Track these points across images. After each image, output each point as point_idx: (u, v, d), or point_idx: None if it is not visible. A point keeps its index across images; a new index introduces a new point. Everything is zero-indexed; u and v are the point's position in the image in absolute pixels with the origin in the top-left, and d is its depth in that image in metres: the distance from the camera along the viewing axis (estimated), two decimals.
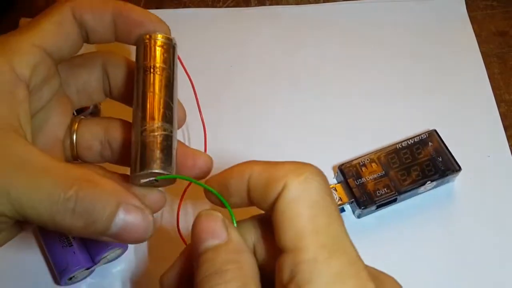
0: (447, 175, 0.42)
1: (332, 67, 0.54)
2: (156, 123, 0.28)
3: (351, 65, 0.54)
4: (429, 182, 0.41)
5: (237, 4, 0.59)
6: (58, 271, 0.40)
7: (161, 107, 0.29)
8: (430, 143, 0.42)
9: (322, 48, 0.55)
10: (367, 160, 0.42)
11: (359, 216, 0.42)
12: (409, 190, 0.41)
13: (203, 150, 0.37)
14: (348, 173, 0.42)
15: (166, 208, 0.45)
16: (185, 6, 0.60)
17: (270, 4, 0.59)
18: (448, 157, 0.42)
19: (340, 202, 0.41)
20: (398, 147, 0.42)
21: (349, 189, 0.41)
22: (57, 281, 0.41)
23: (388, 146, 0.43)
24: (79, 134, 0.32)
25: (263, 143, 0.49)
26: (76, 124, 0.32)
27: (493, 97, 0.51)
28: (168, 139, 0.28)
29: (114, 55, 0.33)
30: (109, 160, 0.33)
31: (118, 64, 0.32)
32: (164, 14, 0.60)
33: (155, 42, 0.30)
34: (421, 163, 0.42)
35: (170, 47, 0.30)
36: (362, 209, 0.41)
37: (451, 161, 0.42)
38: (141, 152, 0.28)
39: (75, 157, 0.33)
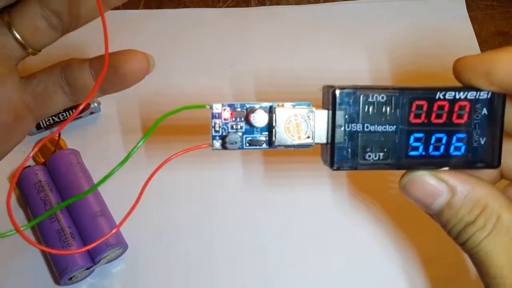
0: (476, 167, 0.26)
1: (331, 66, 0.54)
2: None
3: (351, 65, 0.54)
4: (446, 168, 0.25)
5: (237, 4, 0.59)
6: (58, 271, 0.40)
7: None
8: (484, 109, 0.26)
9: (322, 48, 0.55)
10: (381, 97, 0.25)
11: (332, 166, 0.25)
12: (413, 168, 0.26)
13: None
14: (342, 103, 0.24)
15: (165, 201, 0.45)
16: (185, 6, 0.60)
17: (270, 4, 0.59)
18: (495, 142, 0.26)
19: (304, 139, 0.24)
20: (437, 96, 0.25)
21: (332, 129, 0.24)
22: (57, 281, 0.41)
23: (422, 88, 0.26)
24: (17, 24, 0.28)
25: None
26: (7, 18, 0.28)
27: None
28: None
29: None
30: (66, 27, 0.29)
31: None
32: (164, 14, 0.60)
33: None
34: (452, 132, 0.26)
35: None
36: (334, 168, 0.25)
37: (493, 150, 0.26)
38: None
39: (31, 52, 0.29)
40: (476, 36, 0.55)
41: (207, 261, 0.43)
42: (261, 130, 0.24)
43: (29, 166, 0.45)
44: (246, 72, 0.53)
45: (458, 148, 0.26)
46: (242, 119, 0.24)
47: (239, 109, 0.24)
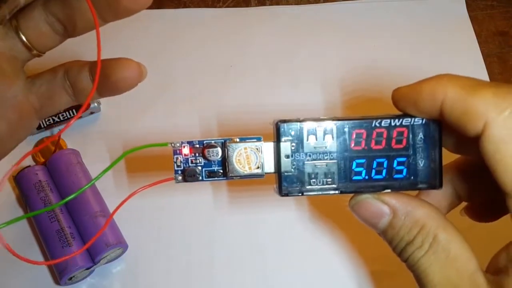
0: (418, 188, 0.28)
1: (332, 67, 0.54)
2: None
3: (351, 65, 0.54)
4: (389, 190, 0.27)
5: (237, 4, 0.59)
6: (58, 271, 0.40)
7: None
8: (421, 133, 0.28)
9: (322, 48, 0.55)
10: (322, 128, 0.27)
11: (280, 193, 0.28)
12: (357, 192, 0.28)
13: None
14: (287, 135, 0.27)
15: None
16: (185, 6, 0.60)
17: (270, 4, 0.59)
18: (436, 164, 0.28)
19: (254, 170, 0.27)
20: (373, 124, 0.28)
21: (278, 159, 0.27)
22: (57, 281, 0.41)
23: (359, 118, 0.28)
24: (24, 28, 0.29)
25: None
26: (14, 22, 0.29)
27: None
28: None
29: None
30: (68, 33, 0.29)
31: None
32: (164, 14, 0.60)
33: None
34: (392, 157, 0.27)
35: None
36: (282, 195, 0.28)
37: (434, 171, 0.27)
38: None
39: (36, 54, 0.30)
40: (476, 36, 0.55)
41: (207, 261, 0.43)
42: (218, 163, 0.27)
43: (29, 166, 0.45)
44: (233, 105, 0.54)
45: (399, 171, 0.27)
46: (201, 154, 0.27)
47: (197, 146, 0.27)
